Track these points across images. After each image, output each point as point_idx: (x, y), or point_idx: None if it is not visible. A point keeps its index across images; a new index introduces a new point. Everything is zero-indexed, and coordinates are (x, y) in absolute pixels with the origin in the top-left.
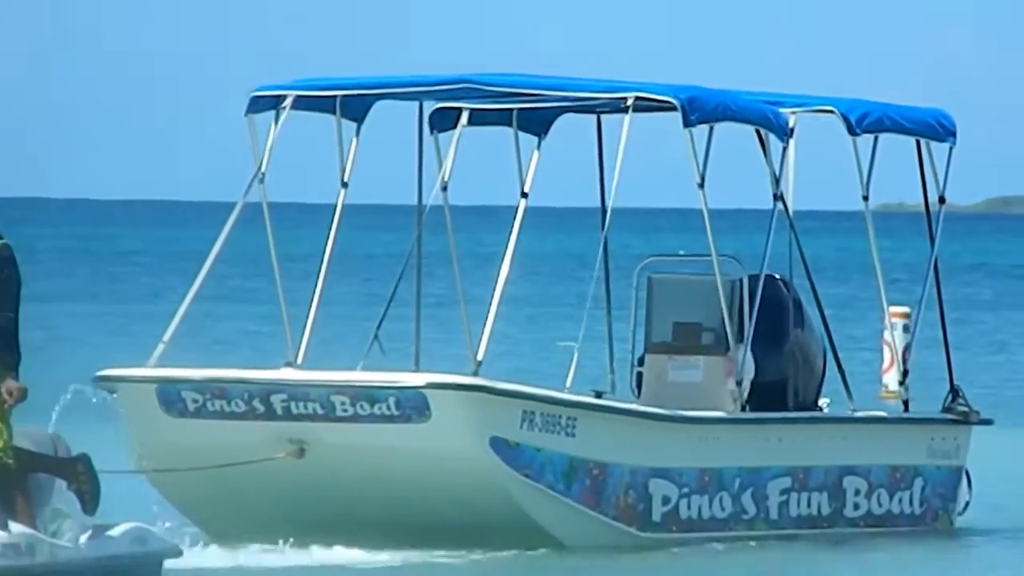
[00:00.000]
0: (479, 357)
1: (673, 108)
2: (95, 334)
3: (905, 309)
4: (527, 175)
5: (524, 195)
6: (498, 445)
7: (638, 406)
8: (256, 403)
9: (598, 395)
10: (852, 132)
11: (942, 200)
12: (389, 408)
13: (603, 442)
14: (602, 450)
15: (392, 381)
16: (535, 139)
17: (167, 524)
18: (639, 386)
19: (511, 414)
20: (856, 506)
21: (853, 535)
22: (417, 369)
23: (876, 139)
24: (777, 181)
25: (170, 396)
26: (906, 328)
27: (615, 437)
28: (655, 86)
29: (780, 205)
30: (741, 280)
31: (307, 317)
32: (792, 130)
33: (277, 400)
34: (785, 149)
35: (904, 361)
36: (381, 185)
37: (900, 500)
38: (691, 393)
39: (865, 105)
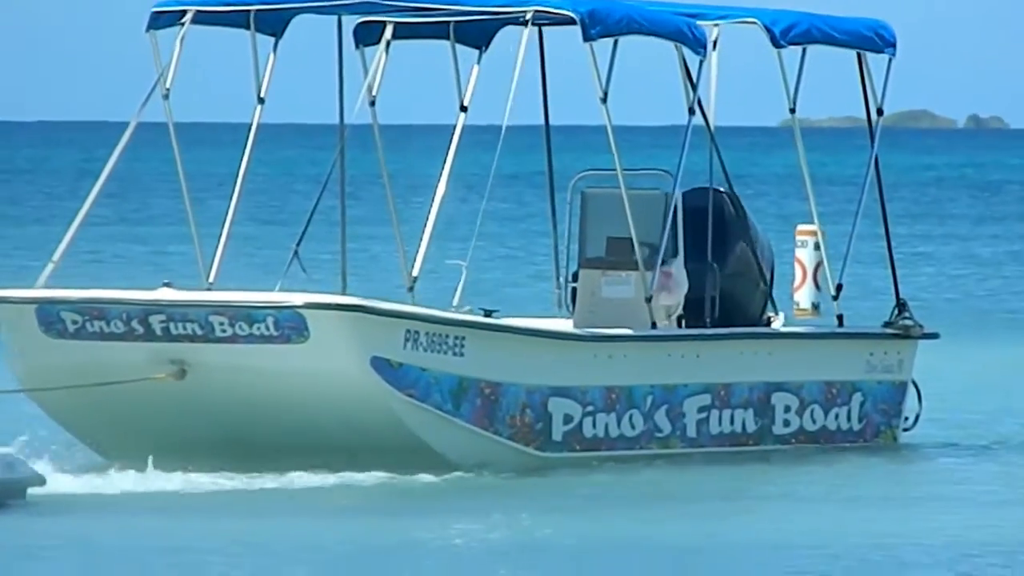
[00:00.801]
0: (414, 273)
1: (573, 21)
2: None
3: (814, 227)
4: (466, 89)
5: (463, 109)
6: (380, 365)
7: (531, 324)
8: (135, 324)
9: (487, 313)
10: (776, 44)
11: (880, 112)
12: (268, 328)
13: (495, 361)
14: (494, 369)
15: (270, 301)
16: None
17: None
18: (573, 301)
19: (393, 334)
20: (786, 423)
21: (786, 451)
22: (344, 289)
23: (804, 51)
24: (693, 92)
25: (49, 317)
26: (817, 245)
27: (509, 356)
28: None
29: (701, 119)
30: (673, 194)
31: (219, 237)
32: (715, 43)
33: (156, 321)
34: (702, 62)
35: (815, 278)
36: (307, 103)
37: (837, 416)
38: (623, 308)
39: (792, 16)
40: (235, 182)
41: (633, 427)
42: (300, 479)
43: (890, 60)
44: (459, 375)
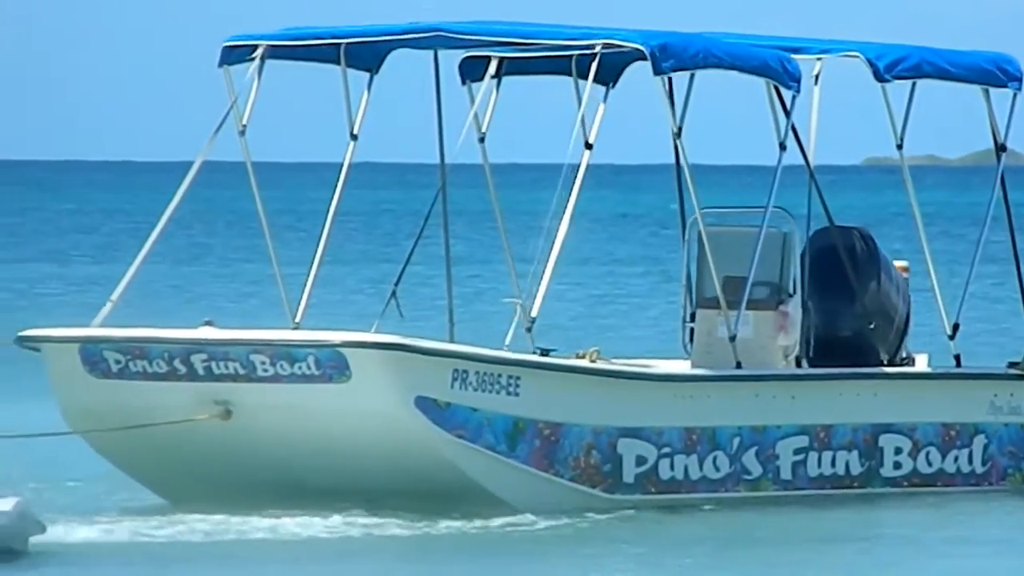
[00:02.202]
0: (533, 314)
1: (643, 56)
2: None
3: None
4: (591, 127)
5: (588, 146)
6: (425, 405)
7: (591, 364)
8: (177, 363)
9: (544, 353)
10: (879, 78)
11: (1004, 148)
12: (309, 368)
13: (554, 401)
14: (554, 410)
15: (310, 340)
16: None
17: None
18: (692, 342)
19: (439, 373)
20: (897, 465)
21: (896, 495)
22: (452, 330)
23: (914, 85)
24: (786, 127)
25: (93, 356)
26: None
27: (570, 396)
28: (626, 33)
29: (800, 156)
30: (791, 232)
31: (307, 276)
32: (816, 77)
33: (198, 360)
34: (795, 97)
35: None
36: (407, 142)
37: (956, 459)
38: (741, 348)
39: (900, 50)
40: (324, 220)
41: (717, 469)
42: (355, 524)
43: (1015, 95)
44: (514, 416)
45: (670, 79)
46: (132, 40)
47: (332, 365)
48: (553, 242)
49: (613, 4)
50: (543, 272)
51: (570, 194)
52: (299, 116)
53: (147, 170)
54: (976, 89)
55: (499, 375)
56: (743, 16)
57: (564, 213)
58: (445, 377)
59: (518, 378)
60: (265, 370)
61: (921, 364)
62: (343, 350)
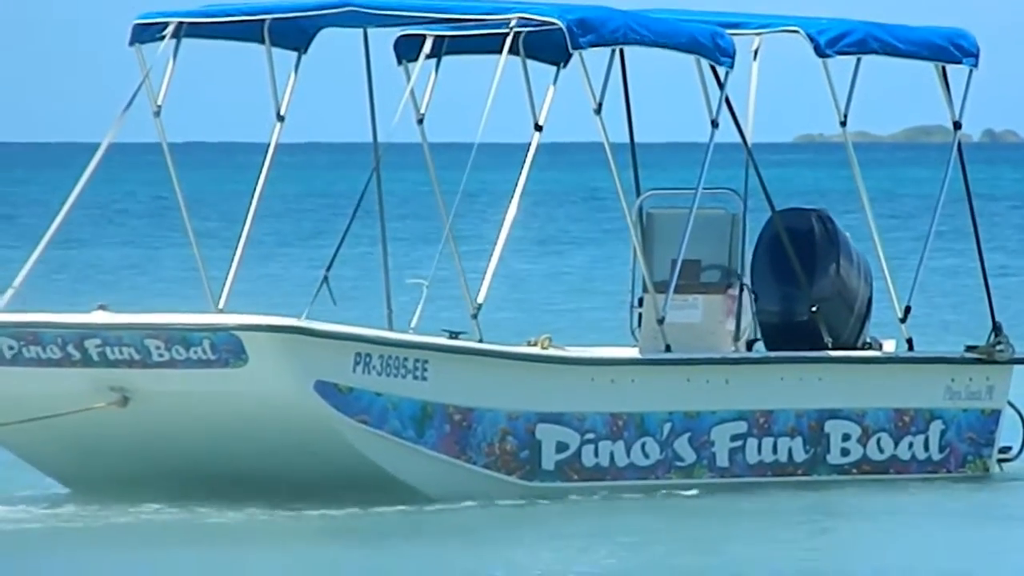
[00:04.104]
0: (480, 300)
1: (559, 30)
2: None
3: None
4: (541, 108)
5: (538, 128)
6: (326, 390)
7: (507, 348)
8: (71, 349)
9: (453, 336)
10: (820, 54)
11: (958, 126)
12: (205, 352)
13: (465, 385)
14: (465, 394)
15: (205, 323)
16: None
17: None
18: (640, 327)
19: (340, 357)
20: (845, 452)
21: (844, 482)
22: (390, 316)
23: (859, 61)
24: (728, 106)
25: None
26: None
27: (482, 380)
28: (540, 6)
29: (736, 134)
30: (739, 213)
31: (232, 260)
32: (755, 53)
33: (92, 345)
34: (728, 73)
35: None
36: (350, 121)
37: (911, 445)
38: (690, 333)
39: (844, 25)
40: (250, 201)
41: (647, 456)
42: (263, 514)
43: (970, 72)
44: (422, 400)
45: (622, 51)
46: (43, 19)
47: (228, 349)
48: (502, 224)
49: None
50: (490, 255)
51: (518, 177)
52: (234, 94)
53: (67, 151)
54: (926, 66)
55: (405, 359)
56: None
57: (514, 196)
58: (346, 361)
59: (426, 362)
60: (160, 355)
61: (888, 351)
62: (238, 333)
